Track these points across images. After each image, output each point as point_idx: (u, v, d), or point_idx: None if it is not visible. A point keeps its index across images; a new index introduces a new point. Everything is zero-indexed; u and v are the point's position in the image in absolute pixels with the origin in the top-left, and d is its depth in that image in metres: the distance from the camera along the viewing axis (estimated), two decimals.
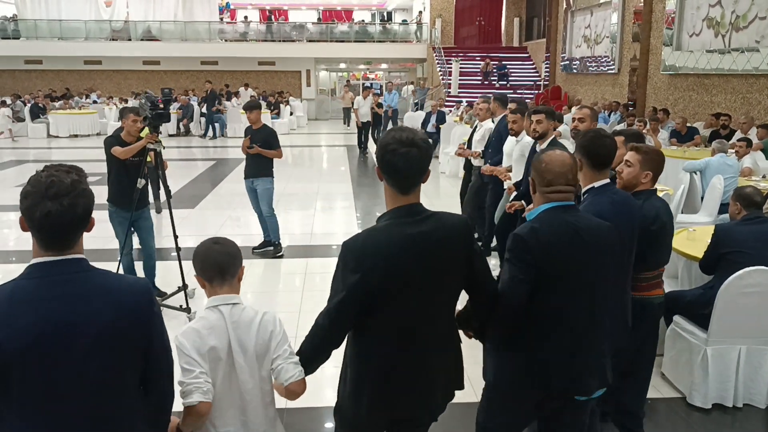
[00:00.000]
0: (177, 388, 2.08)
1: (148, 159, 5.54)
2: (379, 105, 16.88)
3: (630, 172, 3.27)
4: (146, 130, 5.59)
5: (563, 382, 2.44)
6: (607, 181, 2.97)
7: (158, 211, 8.95)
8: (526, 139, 5.72)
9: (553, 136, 5.22)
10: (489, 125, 7.22)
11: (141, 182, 5.42)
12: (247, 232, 8.70)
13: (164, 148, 5.60)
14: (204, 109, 20.21)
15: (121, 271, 5.61)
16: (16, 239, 8.38)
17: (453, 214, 2.32)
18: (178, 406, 2.07)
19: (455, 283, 2.29)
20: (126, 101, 20.47)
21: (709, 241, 4.18)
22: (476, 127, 7.88)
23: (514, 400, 2.55)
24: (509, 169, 6.04)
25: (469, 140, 7.78)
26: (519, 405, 2.55)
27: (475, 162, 7.27)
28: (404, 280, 2.13)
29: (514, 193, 5.53)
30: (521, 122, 5.87)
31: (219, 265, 2.23)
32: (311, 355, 2.27)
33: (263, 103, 22.61)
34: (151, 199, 5.87)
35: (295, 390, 2.20)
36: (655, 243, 3.19)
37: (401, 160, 2.11)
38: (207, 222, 9.02)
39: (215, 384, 2.14)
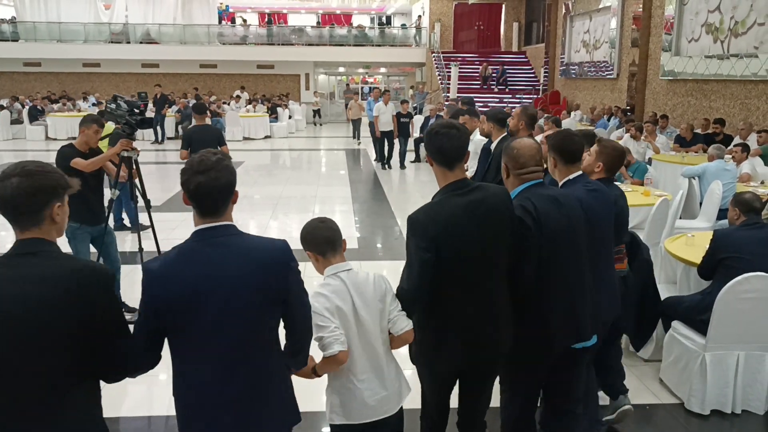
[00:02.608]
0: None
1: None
2: (406, 114, 14.46)
3: (587, 160, 3.58)
4: (106, 141, 5.36)
5: (565, 334, 2.82)
6: (580, 172, 3.26)
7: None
8: (478, 138, 6.56)
9: (504, 134, 5.77)
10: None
11: (115, 192, 5.13)
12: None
13: (139, 154, 5.30)
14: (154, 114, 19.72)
15: None
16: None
17: (495, 186, 2.79)
18: None
19: (505, 244, 2.68)
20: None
21: (708, 246, 4.18)
22: None
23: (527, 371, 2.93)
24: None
25: None
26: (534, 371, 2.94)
27: None
28: (463, 239, 2.57)
29: None
30: (470, 123, 6.87)
31: (329, 239, 2.57)
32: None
33: (262, 106, 22.70)
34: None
35: (407, 338, 2.63)
36: (616, 224, 3.37)
37: (445, 138, 2.63)
38: None
39: (347, 338, 2.48)
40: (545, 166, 3.11)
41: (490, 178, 5.50)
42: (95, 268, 1.96)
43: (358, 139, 19.85)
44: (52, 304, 1.81)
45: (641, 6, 15.62)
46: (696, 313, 4.06)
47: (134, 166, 5.29)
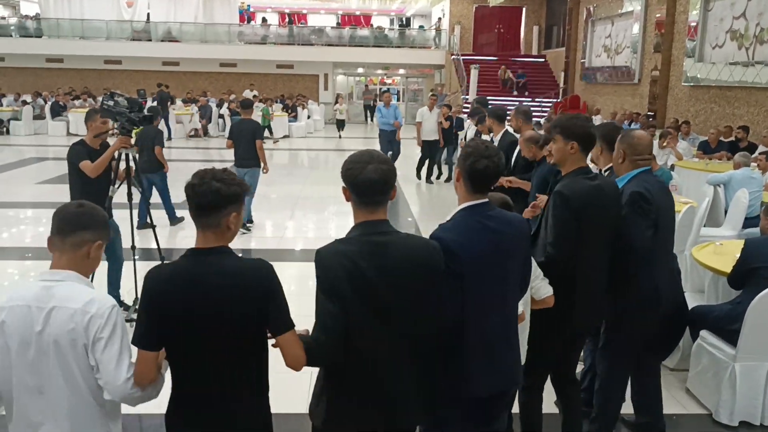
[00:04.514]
0: None
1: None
2: (449, 118, 12.29)
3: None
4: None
5: (672, 294, 3.46)
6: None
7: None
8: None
9: (504, 129, 6.63)
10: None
11: (114, 190, 5.11)
12: (261, 234, 8.70)
13: (138, 151, 5.34)
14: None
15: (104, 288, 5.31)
16: (33, 236, 8.43)
17: (610, 178, 3.39)
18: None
19: (616, 223, 3.17)
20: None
21: (738, 255, 4.11)
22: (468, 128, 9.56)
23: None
24: None
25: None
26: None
27: None
28: (594, 215, 3.04)
29: None
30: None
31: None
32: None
33: (279, 105, 22.76)
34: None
35: (548, 302, 2.97)
36: None
37: (592, 127, 3.18)
38: None
39: None
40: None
41: None
42: (429, 242, 2.39)
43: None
44: (428, 267, 2.27)
45: (664, 11, 15.49)
46: (726, 322, 4.00)
47: (132, 164, 5.26)
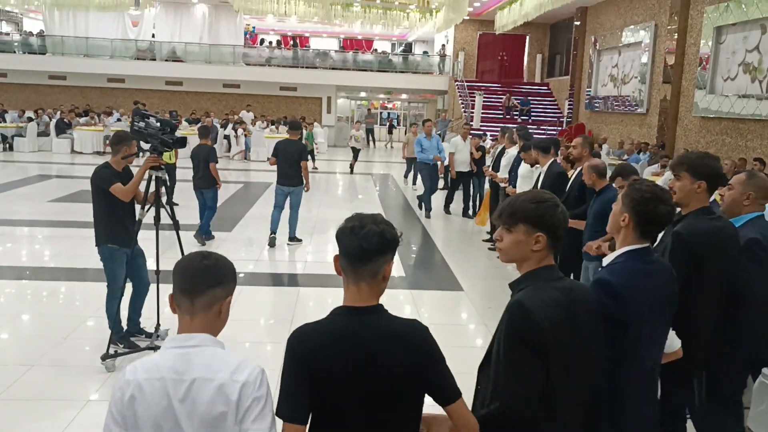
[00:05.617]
0: None
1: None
2: (480, 148, 11.69)
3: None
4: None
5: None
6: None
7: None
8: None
9: (551, 160, 6.86)
10: (513, 152, 9.03)
11: (143, 213, 4.92)
12: (288, 258, 8.59)
13: (166, 175, 5.17)
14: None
15: (123, 317, 5.21)
16: (28, 256, 8.34)
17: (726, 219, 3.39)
18: None
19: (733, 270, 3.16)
20: None
21: None
22: (500, 151, 9.84)
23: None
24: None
25: (494, 164, 9.76)
26: None
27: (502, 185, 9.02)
28: (716, 258, 2.98)
29: None
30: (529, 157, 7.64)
31: None
32: None
33: (284, 128, 22.77)
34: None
35: (679, 354, 2.73)
36: None
37: (720, 167, 3.12)
38: (248, 244, 8.92)
39: None
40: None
41: None
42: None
43: (414, 183, 15.74)
44: (598, 310, 2.22)
45: (674, 43, 15.62)
46: None
47: (160, 186, 5.06)
